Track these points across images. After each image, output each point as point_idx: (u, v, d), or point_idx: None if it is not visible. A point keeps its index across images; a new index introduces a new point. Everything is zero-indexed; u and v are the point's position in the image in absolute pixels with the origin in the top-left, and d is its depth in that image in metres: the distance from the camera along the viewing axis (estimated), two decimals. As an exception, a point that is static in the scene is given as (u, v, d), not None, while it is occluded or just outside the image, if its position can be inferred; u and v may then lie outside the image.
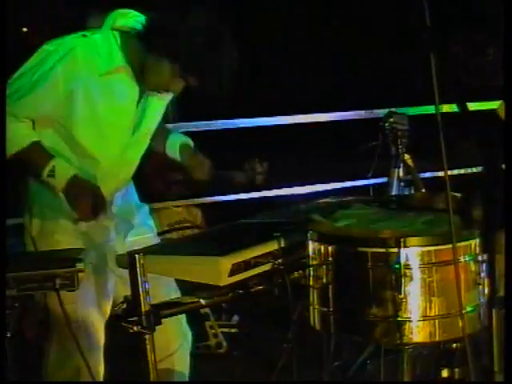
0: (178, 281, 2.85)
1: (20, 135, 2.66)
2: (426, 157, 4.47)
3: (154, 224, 3.11)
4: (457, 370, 2.45)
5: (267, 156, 4.78)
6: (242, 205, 5.48)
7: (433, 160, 4.00)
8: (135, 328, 2.09)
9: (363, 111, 5.25)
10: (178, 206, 5.49)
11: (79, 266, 2.22)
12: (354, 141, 4.30)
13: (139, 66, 2.70)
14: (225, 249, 2.18)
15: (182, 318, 2.99)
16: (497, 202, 1.62)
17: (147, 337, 2.10)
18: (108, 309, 2.87)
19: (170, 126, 3.33)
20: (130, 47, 2.71)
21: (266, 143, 6.51)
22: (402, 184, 4.06)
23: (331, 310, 2.20)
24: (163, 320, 2.15)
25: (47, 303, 2.76)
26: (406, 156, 4.07)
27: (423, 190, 4.04)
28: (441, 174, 5.16)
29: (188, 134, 3.18)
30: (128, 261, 2.11)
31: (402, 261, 2.09)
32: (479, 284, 2.15)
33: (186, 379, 3.03)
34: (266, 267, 2.25)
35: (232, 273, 2.12)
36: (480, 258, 2.14)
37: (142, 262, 2.10)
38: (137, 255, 2.10)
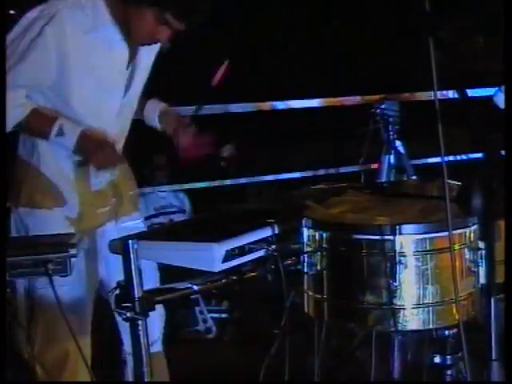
0: (171, 266, 2.83)
1: (19, 105, 2.61)
2: (418, 143, 4.48)
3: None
4: (449, 356, 2.46)
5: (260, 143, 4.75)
6: (231, 191, 5.48)
7: (424, 146, 4.00)
8: (128, 314, 2.08)
9: (358, 97, 5.21)
10: (163, 191, 5.48)
11: (72, 251, 2.20)
12: (347, 127, 4.29)
13: (123, 18, 2.66)
14: (218, 235, 2.16)
15: None
16: (496, 189, 1.62)
17: (140, 322, 2.10)
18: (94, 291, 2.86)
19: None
20: (112, 0, 2.66)
21: (254, 129, 6.50)
22: (393, 170, 4.07)
23: (325, 296, 2.20)
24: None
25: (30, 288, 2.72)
26: (398, 142, 4.07)
27: (414, 177, 4.04)
28: (431, 160, 5.17)
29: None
30: (122, 246, 2.10)
31: (397, 248, 2.09)
32: (474, 271, 2.16)
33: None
34: (260, 253, 2.24)
35: (226, 259, 2.11)
36: (474, 245, 2.15)
37: (135, 247, 2.08)
38: (130, 241, 2.09)
